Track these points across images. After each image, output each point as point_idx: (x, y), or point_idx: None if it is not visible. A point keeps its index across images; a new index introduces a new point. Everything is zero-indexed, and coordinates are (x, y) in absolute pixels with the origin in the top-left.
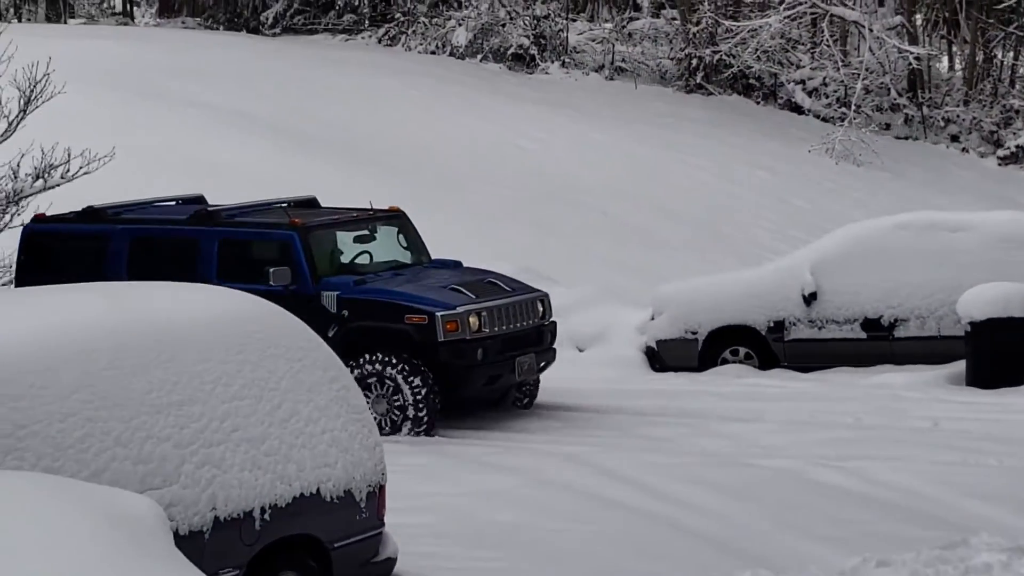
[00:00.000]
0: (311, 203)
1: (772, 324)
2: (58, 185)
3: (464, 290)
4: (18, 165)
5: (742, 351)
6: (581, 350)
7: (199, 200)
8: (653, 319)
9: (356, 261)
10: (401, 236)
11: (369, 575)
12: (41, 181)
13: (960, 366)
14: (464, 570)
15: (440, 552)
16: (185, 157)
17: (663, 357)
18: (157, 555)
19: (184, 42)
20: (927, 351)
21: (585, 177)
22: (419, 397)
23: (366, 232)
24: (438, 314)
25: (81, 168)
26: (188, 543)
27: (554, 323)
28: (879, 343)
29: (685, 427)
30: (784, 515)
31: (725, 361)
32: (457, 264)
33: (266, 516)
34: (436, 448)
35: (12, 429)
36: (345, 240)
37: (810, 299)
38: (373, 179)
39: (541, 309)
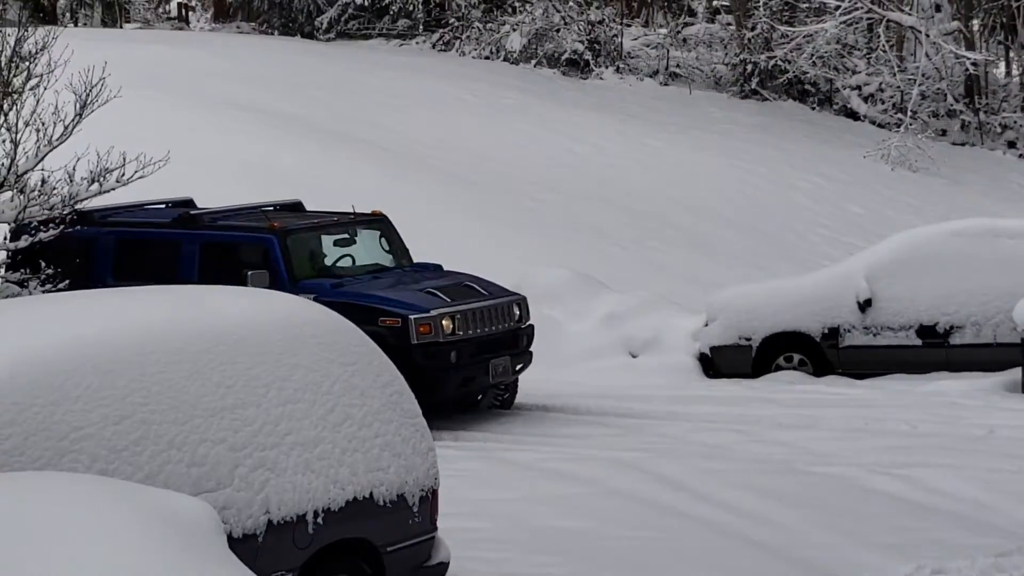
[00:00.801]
0: (296, 207)
1: (827, 331)
2: (113, 189)
3: (439, 293)
4: (74, 169)
5: (796, 358)
6: (635, 356)
7: (188, 203)
8: (707, 325)
9: (337, 264)
10: (383, 240)
11: None
12: (96, 185)
13: (1016, 373)
14: (518, 575)
15: (495, 557)
16: (240, 161)
17: (717, 363)
18: (211, 558)
19: (239, 47)
20: (983, 358)
21: (639, 183)
22: None
23: (346, 236)
24: (411, 317)
25: (136, 172)
26: (242, 546)
27: (531, 326)
28: (934, 350)
29: (739, 434)
30: (839, 522)
31: (779, 368)
32: (438, 268)
33: (319, 520)
34: (491, 454)
35: (68, 431)
36: (326, 244)
37: (865, 306)
38: (426, 185)
39: (518, 312)
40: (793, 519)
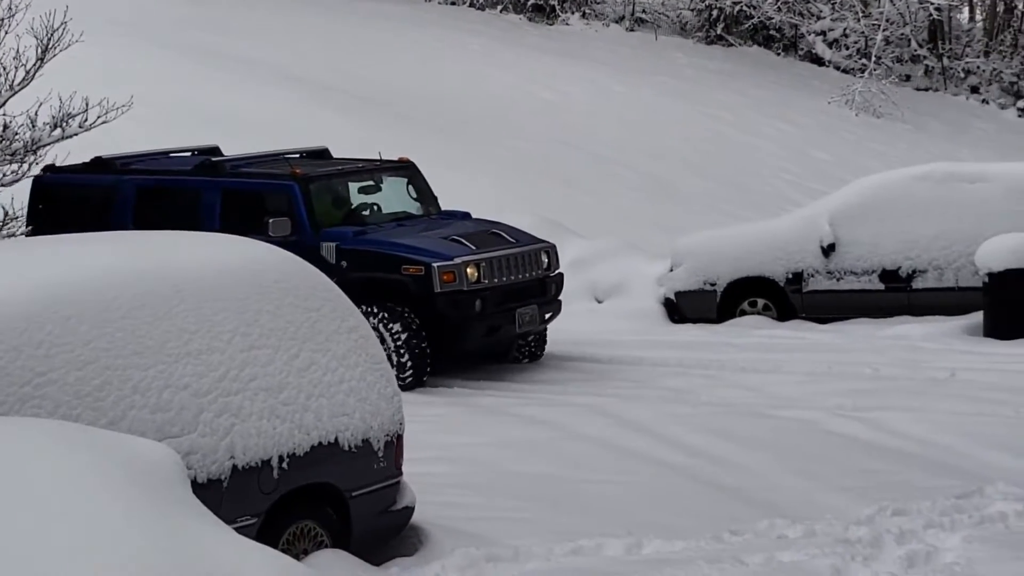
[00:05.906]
0: (322, 154)
1: (790, 275)
2: (76, 135)
3: (465, 241)
4: (36, 114)
5: (760, 302)
6: (600, 302)
7: (214, 151)
8: (672, 271)
9: (362, 212)
10: (410, 187)
11: (387, 524)
12: (59, 131)
13: (978, 317)
14: (484, 519)
15: (460, 502)
16: (205, 108)
17: (682, 308)
18: (175, 503)
19: None
20: (945, 302)
21: (605, 129)
22: (400, 346)
23: (371, 183)
24: (434, 265)
25: (99, 118)
26: (206, 491)
27: (560, 275)
28: (897, 294)
29: (704, 378)
30: (802, 465)
31: (743, 312)
32: (466, 215)
33: (284, 465)
34: (456, 399)
35: (30, 377)
36: (351, 191)
37: (828, 250)
38: (393, 131)
39: (546, 260)
40: (757, 462)
